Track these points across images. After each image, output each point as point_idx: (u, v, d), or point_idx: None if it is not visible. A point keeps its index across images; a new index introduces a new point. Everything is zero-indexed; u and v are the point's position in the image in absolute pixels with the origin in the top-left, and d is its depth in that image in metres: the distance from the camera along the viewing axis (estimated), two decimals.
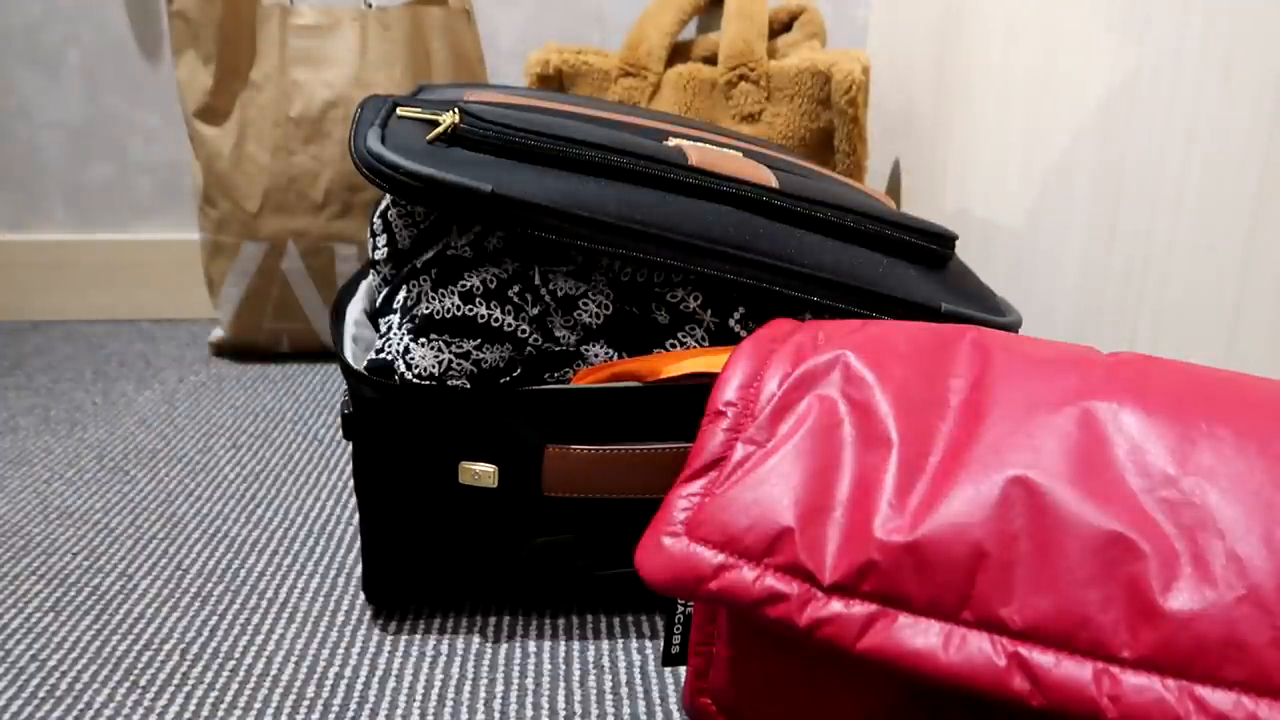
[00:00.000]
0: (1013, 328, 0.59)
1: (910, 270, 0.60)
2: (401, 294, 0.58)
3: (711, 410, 0.44)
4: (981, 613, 0.35)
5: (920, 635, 0.35)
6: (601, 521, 0.58)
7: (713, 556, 0.40)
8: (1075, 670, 0.33)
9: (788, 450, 0.41)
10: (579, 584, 0.60)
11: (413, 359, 0.55)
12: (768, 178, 0.59)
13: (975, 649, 0.35)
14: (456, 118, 0.57)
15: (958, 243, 0.90)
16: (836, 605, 0.37)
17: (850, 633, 0.36)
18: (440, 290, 0.55)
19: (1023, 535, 0.35)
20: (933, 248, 0.61)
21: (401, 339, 0.56)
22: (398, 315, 0.58)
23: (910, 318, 0.57)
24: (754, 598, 0.38)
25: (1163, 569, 0.33)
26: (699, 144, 0.63)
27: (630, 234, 0.54)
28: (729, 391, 0.44)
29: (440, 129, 0.57)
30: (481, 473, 0.56)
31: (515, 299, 0.55)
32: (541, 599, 0.63)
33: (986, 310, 0.60)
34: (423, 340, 0.55)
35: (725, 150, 0.63)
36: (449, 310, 0.54)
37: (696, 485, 0.42)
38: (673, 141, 0.62)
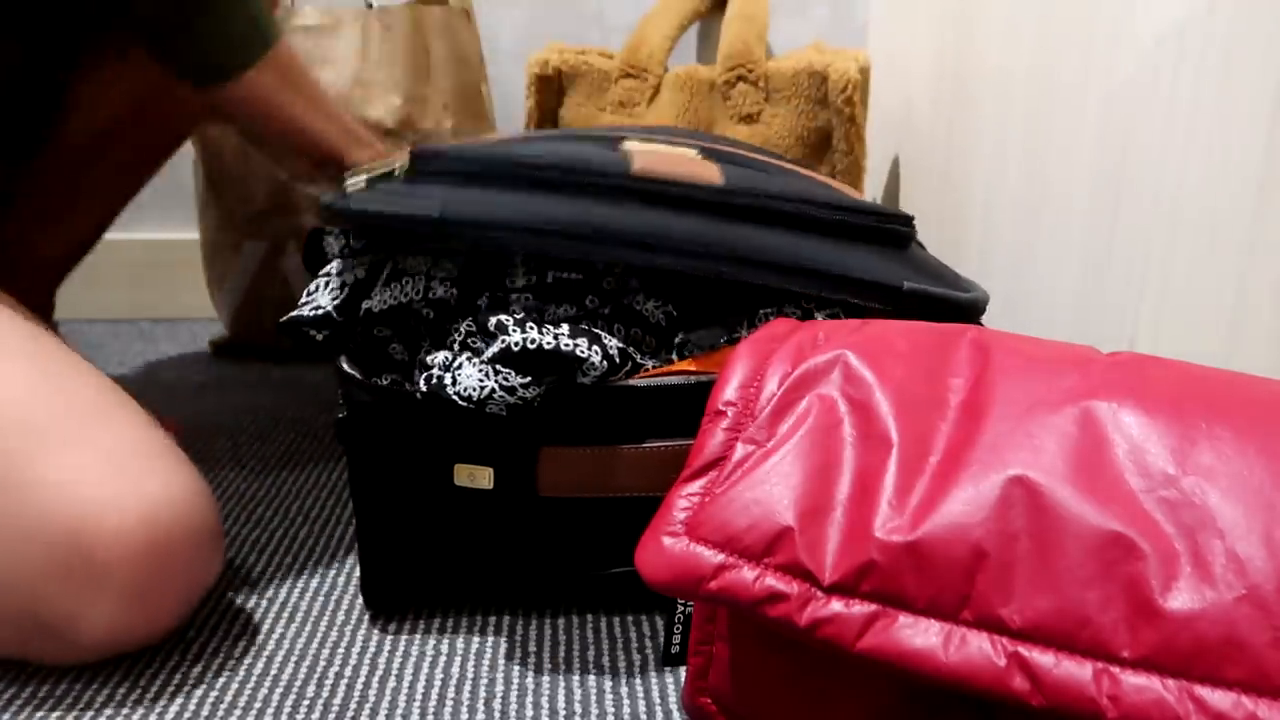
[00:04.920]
0: (979, 304, 0.59)
1: (870, 253, 0.59)
2: (496, 317, 0.57)
3: (711, 410, 0.44)
4: (981, 612, 0.35)
5: (920, 635, 0.36)
6: (600, 521, 0.58)
7: (713, 556, 0.40)
8: (1075, 670, 0.33)
9: (788, 450, 0.41)
10: (579, 584, 0.60)
11: (460, 377, 0.54)
12: (713, 175, 0.59)
13: (975, 649, 0.35)
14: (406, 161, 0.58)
15: (958, 242, 0.91)
16: (836, 605, 0.37)
17: (850, 633, 0.36)
18: (528, 322, 0.55)
19: (1023, 535, 0.35)
20: (891, 228, 0.61)
21: (457, 358, 0.55)
22: (478, 329, 0.57)
23: (871, 298, 0.57)
24: (754, 597, 0.38)
25: (1163, 569, 0.33)
26: (651, 147, 0.63)
27: (575, 239, 0.55)
28: (729, 391, 0.44)
29: (386, 170, 0.59)
30: (477, 474, 0.56)
31: (603, 325, 0.57)
32: (541, 599, 0.63)
33: (950, 287, 0.59)
34: (489, 368, 0.54)
35: (678, 150, 0.63)
36: (530, 342, 0.53)
37: (696, 485, 0.42)
38: (627, 144, 0.62)
